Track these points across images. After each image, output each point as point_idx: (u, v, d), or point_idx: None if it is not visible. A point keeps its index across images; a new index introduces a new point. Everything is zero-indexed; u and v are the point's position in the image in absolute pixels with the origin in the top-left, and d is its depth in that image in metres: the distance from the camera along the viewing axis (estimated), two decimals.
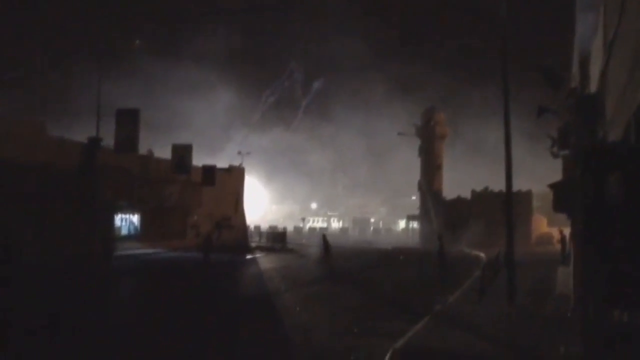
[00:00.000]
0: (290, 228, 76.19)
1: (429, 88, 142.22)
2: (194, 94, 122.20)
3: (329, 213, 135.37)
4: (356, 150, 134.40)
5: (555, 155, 17.89)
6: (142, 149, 36.18)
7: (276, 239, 45.36)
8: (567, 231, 32.94)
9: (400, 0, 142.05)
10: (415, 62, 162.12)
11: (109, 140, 32.96)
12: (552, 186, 15.02)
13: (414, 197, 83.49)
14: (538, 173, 58.18)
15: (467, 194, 58.56)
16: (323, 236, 28.70)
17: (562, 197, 14.49)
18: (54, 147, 29.75)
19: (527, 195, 53.87)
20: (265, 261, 31.37)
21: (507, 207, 15.80)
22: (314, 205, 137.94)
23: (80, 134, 33.43)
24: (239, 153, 55.95)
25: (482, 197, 56.02)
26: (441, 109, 61.11)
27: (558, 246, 37.17)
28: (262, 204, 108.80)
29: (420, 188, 60.26)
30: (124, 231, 36.58)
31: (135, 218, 37.61)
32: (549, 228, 55.01)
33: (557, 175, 18.73)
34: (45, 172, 28.32)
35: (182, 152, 38.99)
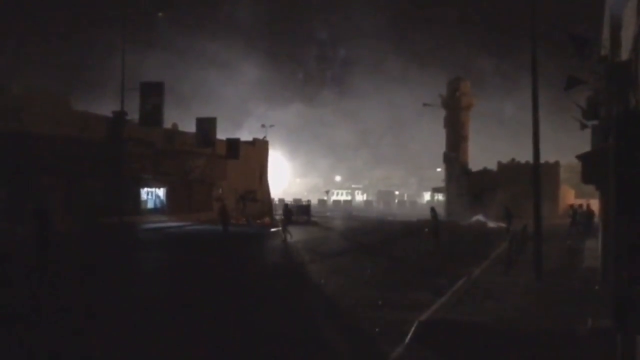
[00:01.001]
0: (314, 201, 76.33)
1: (453, 58, 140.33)
2: (217, 67, 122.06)
3: (353, 186, 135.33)
4: (380, 123, 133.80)
5: (583, 126, 17.46)
6: (167, 123, 36.37)
7: (300, 211, 45.39)
8: (594, 203, 32.57)
9: None
10: (438, 32, 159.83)
11: (133, 114, 33.18)
12: (581, 157, 14.68)
13: (439, 169, 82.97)
14: (564, 144, 57.35)
15: (492, 166, 57.93)
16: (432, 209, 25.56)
17: (592, 168, 14.18)
18: (80, 121, 30.02)
19: (555, 167, 53.14)
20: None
21: (535, 178, 15.55)
22: (338, 178, 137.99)
23: (105, 108, 33.71)
24: (263, 126, 55.96)
25: (509, 169, 55.36)
26: (467, 78, 60.19)
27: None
28: (285, 178, 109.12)
29: (445, 160, 59.70)
30: (150, 205, 36.98)
31: (160, 191, 37.94)
32: (576, 200, 54.30)
33: (583, 147, 18.36)
34: (71, 146, 28.66)
35: (207, 126, 39.05)
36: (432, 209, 24.88)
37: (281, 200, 63.20)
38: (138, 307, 11.50)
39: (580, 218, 29.17)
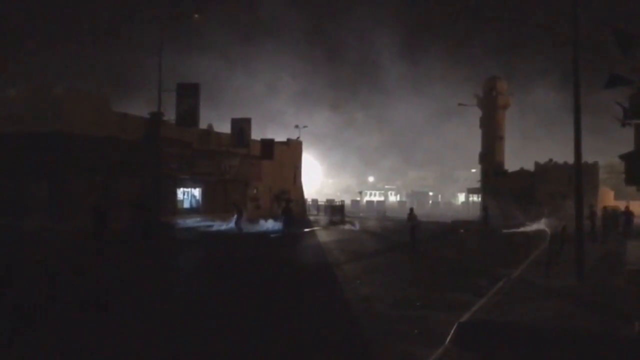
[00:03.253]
0: (347, 202, 76.18)
1: (489, 58, 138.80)
2: (252, 69, 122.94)
3: (386, 187, 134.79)
4: (414, 123, 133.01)
5: (624, 124, 17.01)
6: (203, 124, 36.71)
7: (334, 212, 45.35)
8: (634, 205, 31.75)
9: None
10: (473, 31, 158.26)
11: (170, 114, 33.59)
12: (624, 157, 14.37)
13: (474, 170, 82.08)
14: (601, 145, 56.27)
15: (529, 166, 57.10)
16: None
17: (635, 167, 13.87)
18: (118, 121, 30.49)
19: (594, 168, 52.14)
20: (324, 234, 31.50)
21: (577, 179, 15.24)
22: (371, 179, 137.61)
23: (142, 109, 34.18)
24: (296, 127, 56.03)
25: (546, 169, 54.50)
26: (503, 78, 59.42)
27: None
28: (318, 178, 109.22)
29: (481, 160, 59.02)
30: (186, 204, 37.31)
31: (196, 191, 38.29)
32: (615, 201, 53.16)
33: (620, 148, 17.96)
34: (110, 146, 29.13)
35: (242, 126, 39.32)
36: (411, 209, 26.46)
37: (314, 201, 63.23)
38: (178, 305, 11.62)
39: (605, 220, 27.59)
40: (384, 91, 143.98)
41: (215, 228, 31.79)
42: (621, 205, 45.31)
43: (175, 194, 36.09)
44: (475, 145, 60.81)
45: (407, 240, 24.45)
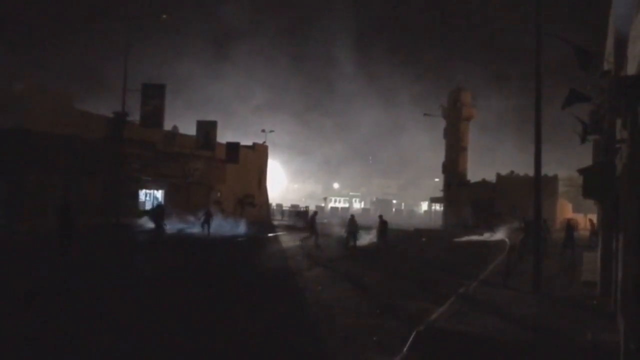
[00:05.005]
0: (312, 207, 76.20)
1: (453, 69, 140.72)
2: (219, 71, 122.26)
3: (351, 193, 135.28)
4: (379, 132, 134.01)
5: (584, 140, 17.43)
6: (167, 125, 36.37)
7: (298, 217, 45.41)
8: (593, 217, 32.49)
9: None
10: (439, 43, 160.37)
11: (135, 115, 33.19)
12: (582, 171, 14.67)
13: (437, 179, 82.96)
14: (561, 158, 57.47)
15: (491, 177, 57.98)
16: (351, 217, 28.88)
17: (593, 182, 14.19)
18: (80, 120, 29.99)
19: (553, 180, 53.20)
20: (287, 239, 31.43)
21: (536, 192, 15.54)
22: (336, 185, 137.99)
23: (107, 109, 33.69)
24: (263, 131, 55.89)
25: (507, 181, 55.43)
26: (467, 90, 60.22)
27: (583, 232, 36.58)
28: (283, 183, 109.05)
29: (444, 170, 59.74)
30: (148, 206, 36.85)
31: (159, 193, 37.85)
32: (574, 214, 54.32)
33: (580, 160, 18.40)
34: (71, 144, 28.63)
35: (207, 129, 39.09)
36: (380, 216, 29.12)
37: (279, 206, 63.04)
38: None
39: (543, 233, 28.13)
40: (350, 99, 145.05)
41: (173, 230, 31.00)
42: (579, 218, 46.45)
43: (137, 195, 35.61)
44: (439, 155, 61.57)
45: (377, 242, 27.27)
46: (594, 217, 30.33)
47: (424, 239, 36.88)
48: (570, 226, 27.98)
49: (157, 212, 27.46)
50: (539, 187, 15.60)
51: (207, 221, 30.69)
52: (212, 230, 30.65)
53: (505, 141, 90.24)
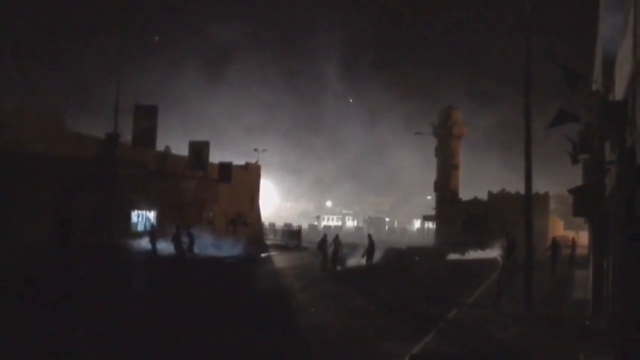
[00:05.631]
0: (304, 226, 76.12)
1: (444, 87, 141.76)
2: (211, 92, 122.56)
3: (344, 211, 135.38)
4: (372, 150, 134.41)
5: (574, 160, 17.58)
6: (160, 146, 36.38)
7: (291, 236, 45.33)
8: (584, 235, 32.62)
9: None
10: (430, 60, 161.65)
11: (127, 136, 33.17)
12: (573, 191, 14.82)
13: (429, 197, 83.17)
14: (553, 175, 57.77)
15: (483, 195, 58.20)
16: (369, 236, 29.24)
17: (583, 202, 14.31)
18: (73, 141, 29.94)
19: (545, 198, 53.46)
20: (280, 259, 31.38)
21: (526, 211, 15.65)
22: (329, 204, 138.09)
23: (98, 129, 33.66)
24: (255, 150, 55.99)
25: (499, 199, 55.64)
26: (458, 109, 60.64)
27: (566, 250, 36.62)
28: (275, 201, 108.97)
29: (436, 188, 59.93)
30: (140, 227, 36.66)
31: (151, 214, 37.70)
32: (565, 231, 54.56)
33: (572, 177, 18.53)
34: (63, 165, 28.54)
35: (199, 149, 39.04)
36: (369, 235, 29.11)
37: (271, 225, 62.94)
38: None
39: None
40: (340, 118, 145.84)
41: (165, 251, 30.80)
42: (570, 234, 46.54)
43: (129, 215, 35.47)
44: (430, 172, 61.81)
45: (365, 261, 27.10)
46: (583, 236, 30.49)
47: (417, 258, 36.90)
48: (555, 244, 28.19)
49: (151, 232, 27.53)
50: (530, 204, 15.72)
51: (179, 242, 29.55)
52: (199, 250, 30.46)
53: (493, 159, 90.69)
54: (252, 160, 52.44)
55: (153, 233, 29.80)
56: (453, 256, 37.40)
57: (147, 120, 33.24)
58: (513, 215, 46.48)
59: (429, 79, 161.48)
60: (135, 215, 36.31)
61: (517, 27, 16.17)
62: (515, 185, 55.94)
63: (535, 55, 15.83)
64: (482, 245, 42.28)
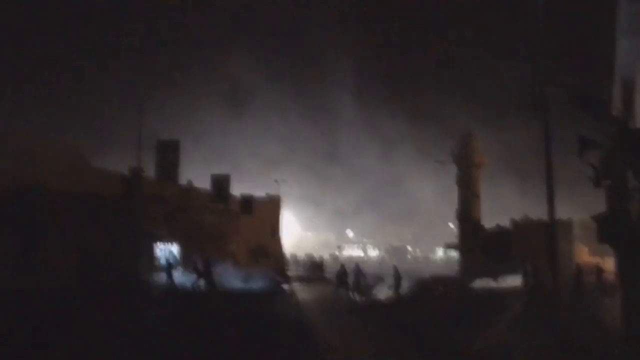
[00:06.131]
0: (326, 256, 75.94)
1: (462, 115, 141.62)
2: (231, 126, 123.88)
3: (364, 240, 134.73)
4: (390, 180, 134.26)
5: (596, 185, 17.43)
6: (182, 180, 36.77)
7: (314, 268, 45.31)
8: (610, 260, 32.02)
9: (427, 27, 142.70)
10: (448, 90, 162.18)
11: (149, 171, 33.61)
12: (596, 218, 14.67)
13: (451, 225, 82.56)
14: (576, 200, 57.12)
15: (504, 222, 57.51)
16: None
17: (607, 229, 14.17)
18: (95, 177, 30.44)
19: (568, 224, 52.64)
20: (303, 292, 31.31)
21: (551, 238, 15.54)
22: (350, 233, 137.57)
23: (120, 165, 34.20)
24: (275, 181, 56.24)
25: (522, 226, 54.95)
26: (477, 136, 60.40)
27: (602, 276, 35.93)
28: (296, 231, 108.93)
29: (458, 217, 59.49)
30: (163, 261, 36.88)
31: (174, 248, 37.97)
32: (590, 257, 53.68)
33: (596, 202, 18.31)
34: (86, 201, 28.98)
35: (221, 182, 39.44)
36: (394, 267, 29.68)
37: (293, 256, 62.81)
38: None
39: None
40: (358, 149, 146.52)
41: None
42: (596, 260, 45.71)
43: (152, 250, 35.76)
44: (450, 200, 61.35)
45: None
46: (609, 261, 29.88)
47: (441, 288, 36.57)
48: (580, 270, 27.68)
49: (167, 267, 27.74)
50: (553, 232, 15.62)
51: (210, 276, 29.24)
52: (220, 283, 30.17)
53: (509, 185, 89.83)
54: (272, 192, 52.75)
55: (170, 268, 30.04)
56: (478, 284, 37.06)
57: (169, 155, 33.68)
58: (537, 242, 45.95)
59: (442, 106, 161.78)
60: (159, 250, 36.62)
61: (529, 52, 16.21)
62: (535, 211, 55.37)
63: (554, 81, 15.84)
64: (507, 273, 41.87)
